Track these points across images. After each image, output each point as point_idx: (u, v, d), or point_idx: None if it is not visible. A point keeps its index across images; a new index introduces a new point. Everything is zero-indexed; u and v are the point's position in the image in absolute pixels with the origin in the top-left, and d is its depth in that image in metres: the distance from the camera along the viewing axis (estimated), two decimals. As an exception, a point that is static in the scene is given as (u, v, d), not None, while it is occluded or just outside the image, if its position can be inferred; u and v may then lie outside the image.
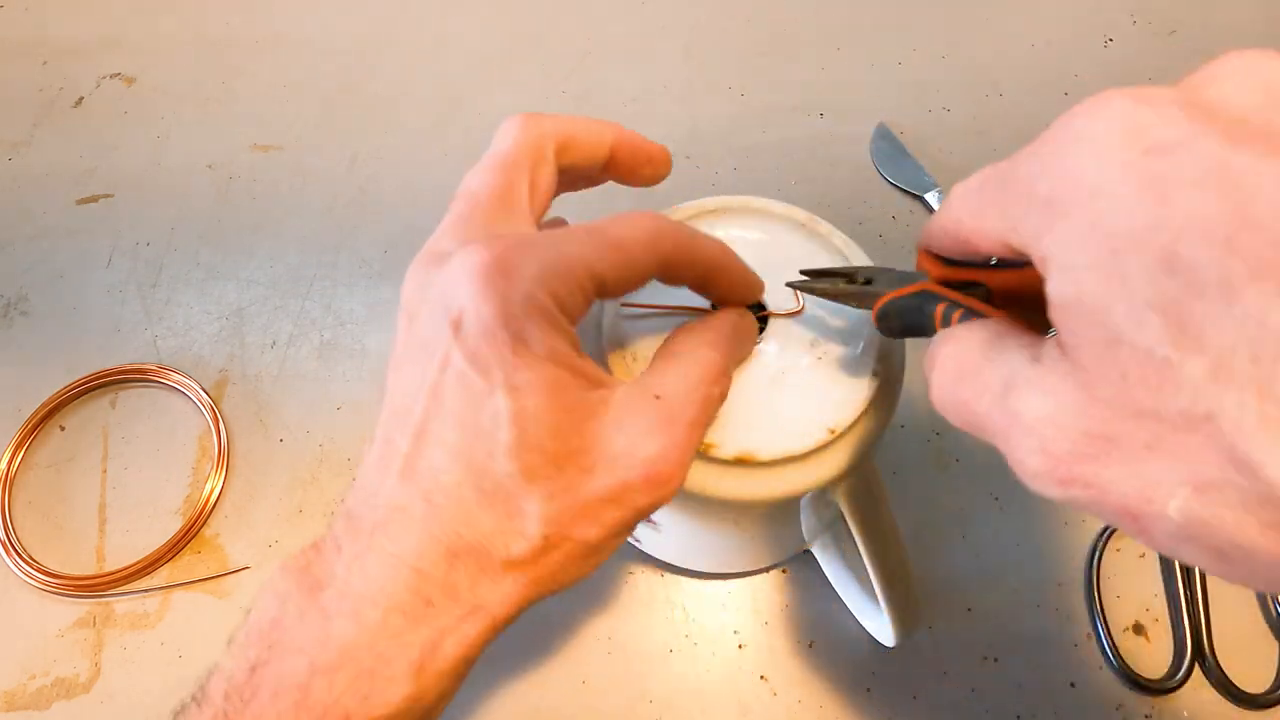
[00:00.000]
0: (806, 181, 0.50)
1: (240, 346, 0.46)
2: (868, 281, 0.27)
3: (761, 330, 0.29)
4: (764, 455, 0.26)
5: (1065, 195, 0.17)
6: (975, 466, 0.41)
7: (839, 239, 0.31)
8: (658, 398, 0.24)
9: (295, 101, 0.54)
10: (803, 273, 0.29)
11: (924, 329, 0.25)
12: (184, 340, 0.46)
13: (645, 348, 0.28)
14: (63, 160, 0.52)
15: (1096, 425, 0.16)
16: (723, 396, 0.25)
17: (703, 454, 0.27)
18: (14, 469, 0.42)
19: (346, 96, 0.55)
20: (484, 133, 0.53)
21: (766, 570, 0.39)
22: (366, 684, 0.21)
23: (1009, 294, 0.24)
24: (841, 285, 0.28)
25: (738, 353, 0.27)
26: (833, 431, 0.27)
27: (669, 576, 0.39)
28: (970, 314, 0.23)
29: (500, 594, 0.22)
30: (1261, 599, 0.38)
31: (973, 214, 0.21)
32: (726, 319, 0.27)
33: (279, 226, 0.50)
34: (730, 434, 0.27)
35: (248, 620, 0.22)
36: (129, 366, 0.45)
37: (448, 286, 0.23)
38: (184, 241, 0.49)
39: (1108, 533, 0.39)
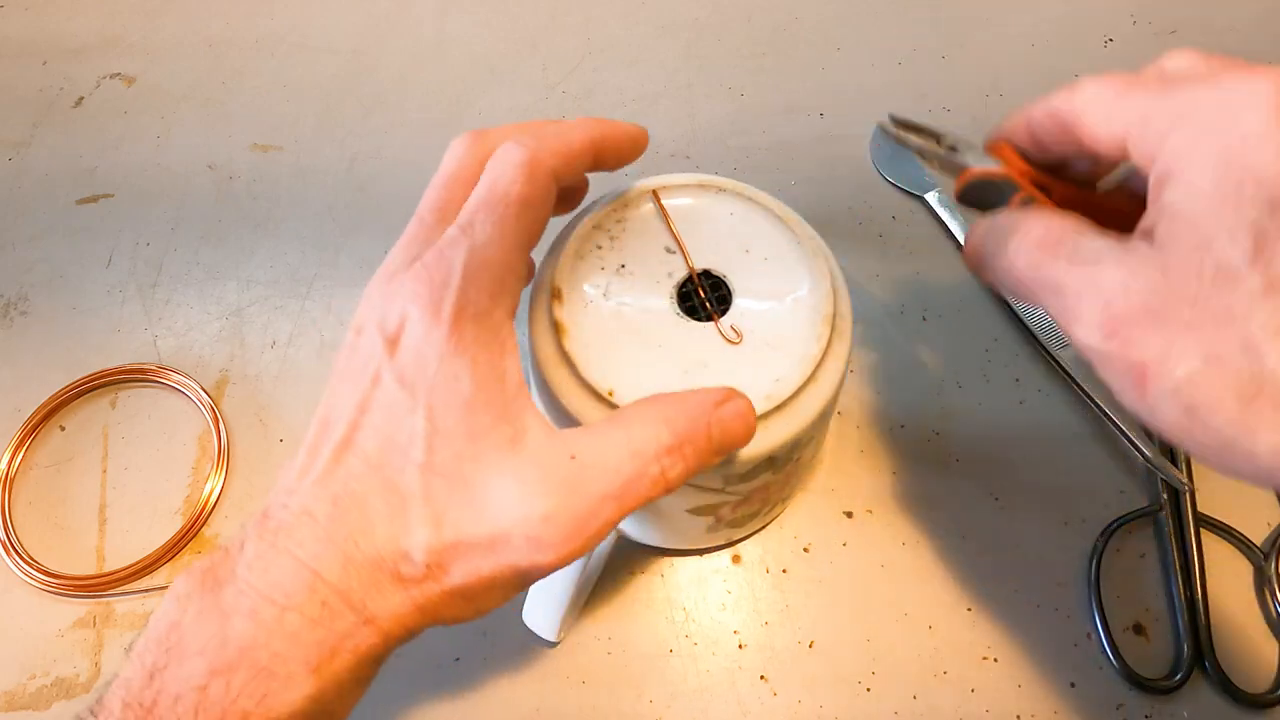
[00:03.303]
0: (806, 181, 0.50)
1: (240, 346, 0.46)
2: (953, 149, 0.30)
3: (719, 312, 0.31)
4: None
5: (1216, 126, 0.21)
6: (975, 466, 0.41)
7: (812, 240, 0.33)
8: (572, 458, 0.23)
9: (295, 101, 0.54)
10: (895, 120, 0.31)
11: (995, 206, 0.28)
12: (184, 340, 0.46)
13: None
14: (63, 160, 0.52)
15: (1157, 301, 0.21)
16: (666, 483, 0.23)
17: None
18: (14, 469, 0.42)
19: (346, 96, 0.55)
20: (484, 133, 0.53)
21: (738, 542, 0.39)
22: (264, 683, 0.21)
23: (1063, 204, 0.28)
24: (931, 145, 0.30)
25: (706, 443, 0.24)
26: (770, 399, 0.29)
27: (669, 576, 0.39)
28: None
29: (389, 610, 0.22)
30: (1262, 599, 0.38)
31: (1108, 106, 0.24)
32: (704, 402, 0.25)
33: (279, 226, 0.50)
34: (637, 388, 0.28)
35: (146, 626, 0.22)
36: (129, 366, 0.45)
37: (387, 303, 0.24)
38: (184, 241, 0.49)
39: (1108, 532, 0.39)
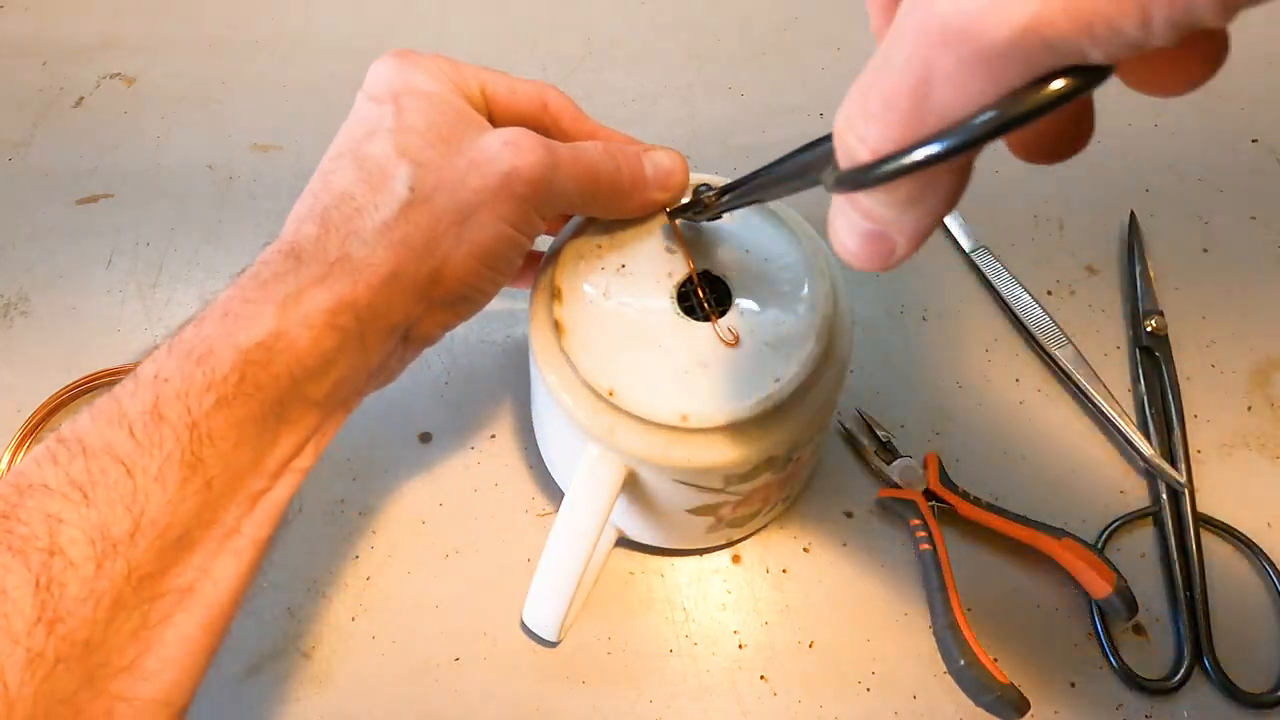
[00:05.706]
0: (806, 181, 0.50)
1: (240, 346, 0.45)
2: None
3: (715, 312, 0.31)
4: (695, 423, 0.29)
5: None
6: (975, 466, 0.41)
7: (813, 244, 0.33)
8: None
9: (295, 101, 0.54)
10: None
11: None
12: (184, 340, 0.46)
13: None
14: (63, 160, 0.52)
15: None
16: (606, 177, 0.29)
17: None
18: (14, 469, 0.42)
19: (346, 96, 0.55)
20: (484, 133, 0.53)
21: (733, 544, 0.39)
22: (231, 324, 0.24)
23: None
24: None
25: (639, 167, 0.30)
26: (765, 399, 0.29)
27: (669, 577, 0.39)
28: None
29: (367, 250, 0.25)
30: (1262, 599, 0.38)
31: None
32: (633, 145, 0.30)
33: (279, 226, 0.49)
34: (666, 400, 0.29)
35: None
36: (129, 366, 0.44)
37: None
38: (184, 241, 0.49)
39: (1108, 532, 0.39)
